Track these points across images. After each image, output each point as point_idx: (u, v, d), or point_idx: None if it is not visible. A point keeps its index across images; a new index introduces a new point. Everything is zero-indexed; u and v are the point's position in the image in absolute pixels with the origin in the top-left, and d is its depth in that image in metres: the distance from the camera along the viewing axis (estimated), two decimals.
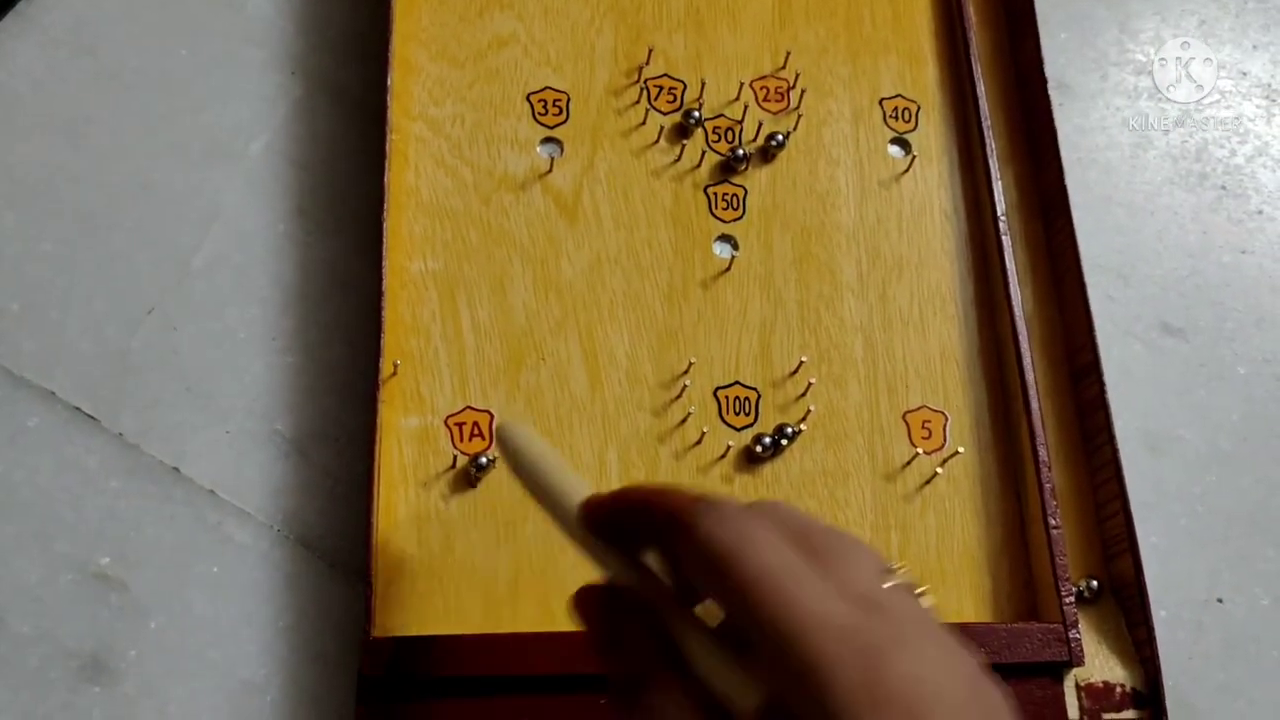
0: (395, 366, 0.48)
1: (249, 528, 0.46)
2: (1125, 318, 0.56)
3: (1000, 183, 0.54)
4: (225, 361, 0.49)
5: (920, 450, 0.50)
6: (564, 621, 0.45)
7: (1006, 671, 0.45)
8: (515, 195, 0.53)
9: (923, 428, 0.51)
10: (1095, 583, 0.48)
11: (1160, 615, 0.49)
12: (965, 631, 0.45)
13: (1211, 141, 0.61)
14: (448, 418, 0.48)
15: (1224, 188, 0.60)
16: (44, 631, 0.44)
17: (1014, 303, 0.51)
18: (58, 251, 0.50)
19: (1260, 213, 0.60)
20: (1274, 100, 0.63)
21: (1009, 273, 0.52)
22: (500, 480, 0.47)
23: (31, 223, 0.51)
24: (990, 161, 0.54)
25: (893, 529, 0.49)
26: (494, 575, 0.46)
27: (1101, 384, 0.50)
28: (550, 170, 0.53)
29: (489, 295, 0.51)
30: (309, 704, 0.43)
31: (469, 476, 0.47)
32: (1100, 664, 0.46)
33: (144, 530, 0.45)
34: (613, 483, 0.48)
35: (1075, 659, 0.45)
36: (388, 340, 0.48)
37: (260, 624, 0.44)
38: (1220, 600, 0.50)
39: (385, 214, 0.49)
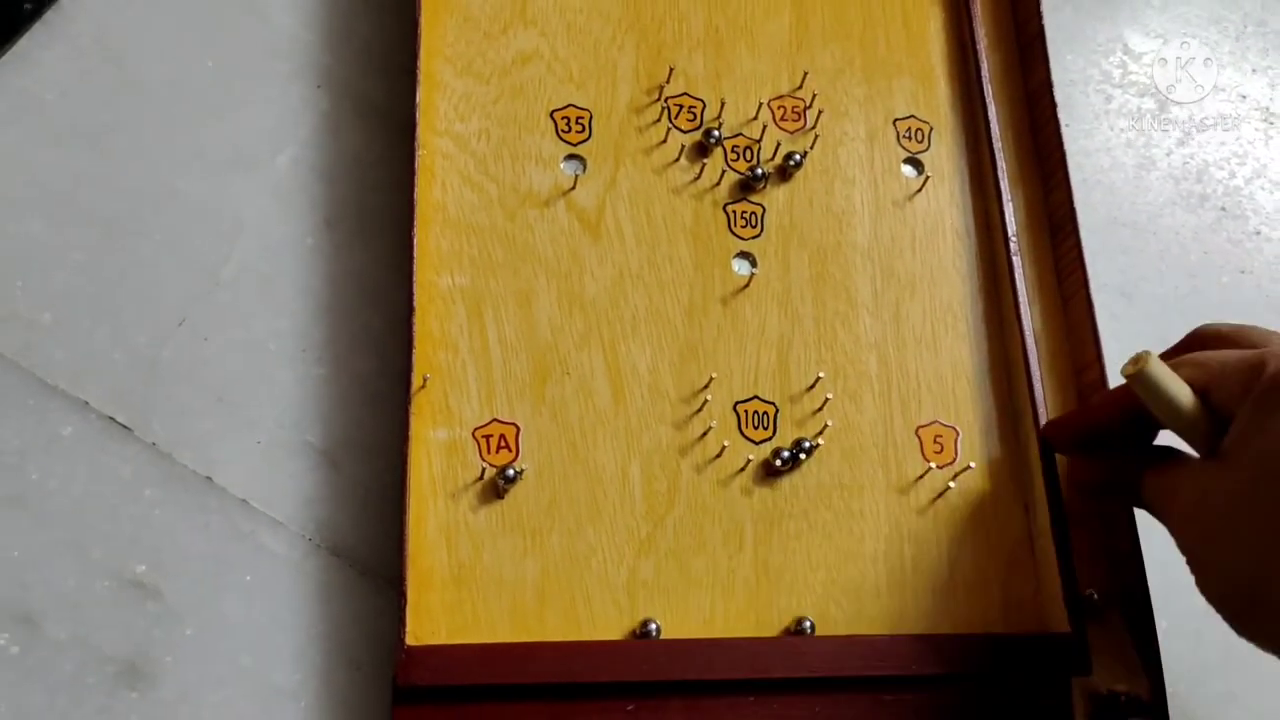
0: (425, 380, 0.49)
1: (281, 537, 0.47)
2: (1128, 335, 0.58)
3: (1011, 203, 0.56)
4: (255, 372, 0.50)
5: (933, 464, 0.51)
6: (589, 630, 0.46)
7: (1014, 680, 0.46)
8: (539, 211, 0.54)
9: (935, 442, 0.52)
10: (1099, 594, 0.49)
11: (1162, 625, 0.50)
12: (975, 641, 0.47)
13: (1212, 163, 0.63)
14: (475, 430, 0.49)
15: (1224, 209, 0.62)
16: (80, 637, 0.44)
17: (1024, 320, 0.53)
18: (87, 260, 0.51)
19: (1259, 233, 0.62)
20: (1272, 123, 0.65)
21: (1019, 291, 0.53)
22: (527, 492, 0.49)
23: (59, 231, 0.51)
24: (1001, 181, 0.56)
25: (906, 541, 0.50)
26: (521, 585, 0.47)
27: None
28: (574, 187, 0.54)
29: (514, 310, 0.52)
30: (342, 710, 0.45)
31: (497, 488, 0.48)
32: (1105, 673, 0.48)
33: (178, 539, 0.46)
34: (635, 497, 0.49)
35: (1081, 668, 0.46)
36: (417, 353, 0.49)
37: (293, 631, 0.45)
38: None
39: (414, 229, 0.50)
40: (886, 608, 0.49)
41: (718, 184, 0.56)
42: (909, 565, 0.50)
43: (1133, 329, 0.58)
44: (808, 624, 0.48)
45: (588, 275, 0.53)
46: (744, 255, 0.55)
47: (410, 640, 0.44)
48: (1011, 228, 0.55)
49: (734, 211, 0.55)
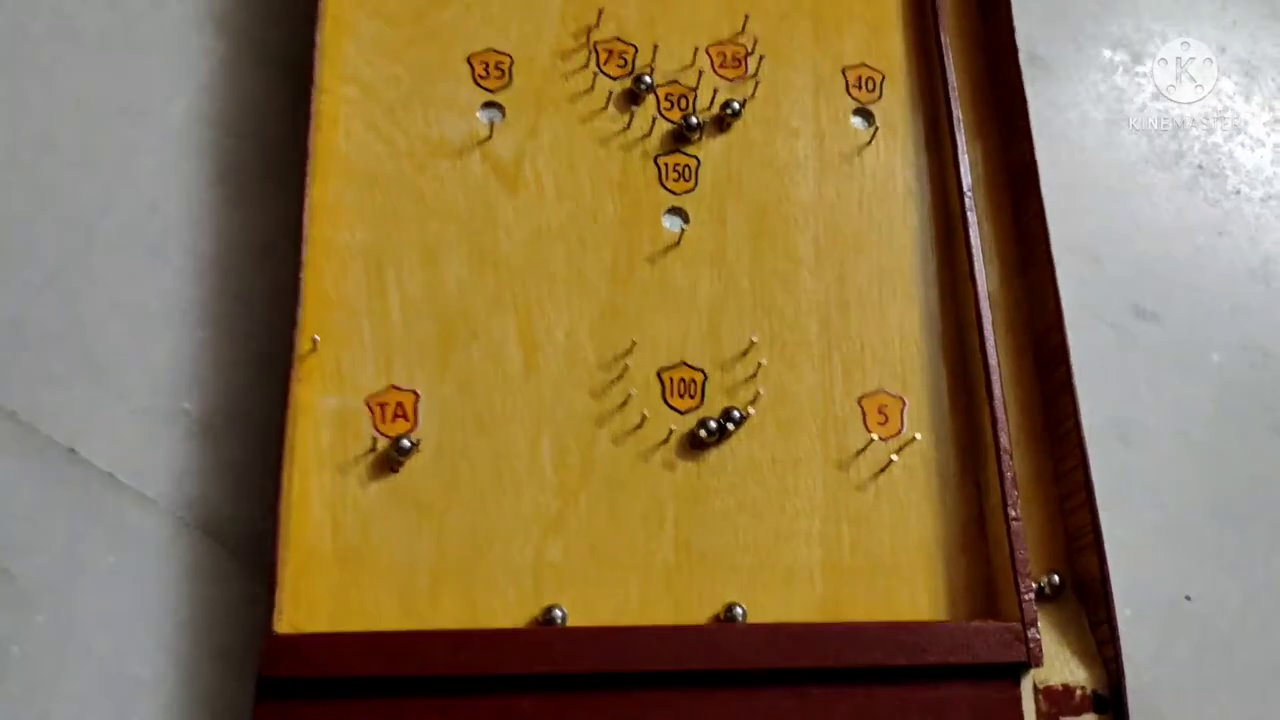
0: (315, 342, 0.45)
1: (150, 514, 0.43)
2: (1096, 301, 0.53)
3: (967, 157, 0.51)
4: (132, 335, 0.46)
5: (875, 436, 0.47)
6: (487, 617, 0.42)
7: (962, 672, 0.42)
8: (452, 163, 0.49)
9: (879, 413, 0.48)
10: (1057, 578, 0.45)
11: (1125, 614, 0.46)
12: (919, 630, 0.42)
13: (1188, 119, 0.59)
14: (369, 398, 0.45)
15: (1201, 167, 0.57)
16: None
17: (978, 283, 0.48)
18: None
19: (1238, 193, 0.57)
20: (1253, 78, 0.60)
21: (974, 251, 0.49)
22: (424, 465, 0.44)
23: None
24: (957, 135, 0.51)
25: (844, 520, 0.46)
26: (414, 567, 0.43)
27: (1068, 369, 0.47)
28: (490, 136, 0.50)
29: (420, 268, 0.47)
30: (204, 705, 0.40)
31: (390, 461, 0.44)
32: (1060, 665, 0.43)
33: (35, 516, 0.42)
34: (546, 471, 0.45)
35: (1034, 659, 0.42)
36: (307, 314, 0.44)
37: (157, 618, 0.41)
38: (1189, 598, 0.47)
39: (309, 180, 0.46)
40: (822, 594, 0.44)
41: (648, 134, 0.51)
42: (848, 547, 0.45)
43: (1100, 294, 0.53)
44: (739, 611, 0.43)
45: (502, 232, 0.48)
46: (675, 211, 0.50)
47: (285, 628, 0.40)
48: (967, 183, 0.50)
49: (666, 164, 0.51)
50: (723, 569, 0.44)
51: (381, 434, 0.44)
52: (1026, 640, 0.42)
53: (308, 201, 0.46)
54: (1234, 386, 0.52)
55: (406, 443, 0.44)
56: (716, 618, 0.43)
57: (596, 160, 0.50)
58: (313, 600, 0.41)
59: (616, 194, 0.50)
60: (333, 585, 0.42)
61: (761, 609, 0.44)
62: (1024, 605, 0.43)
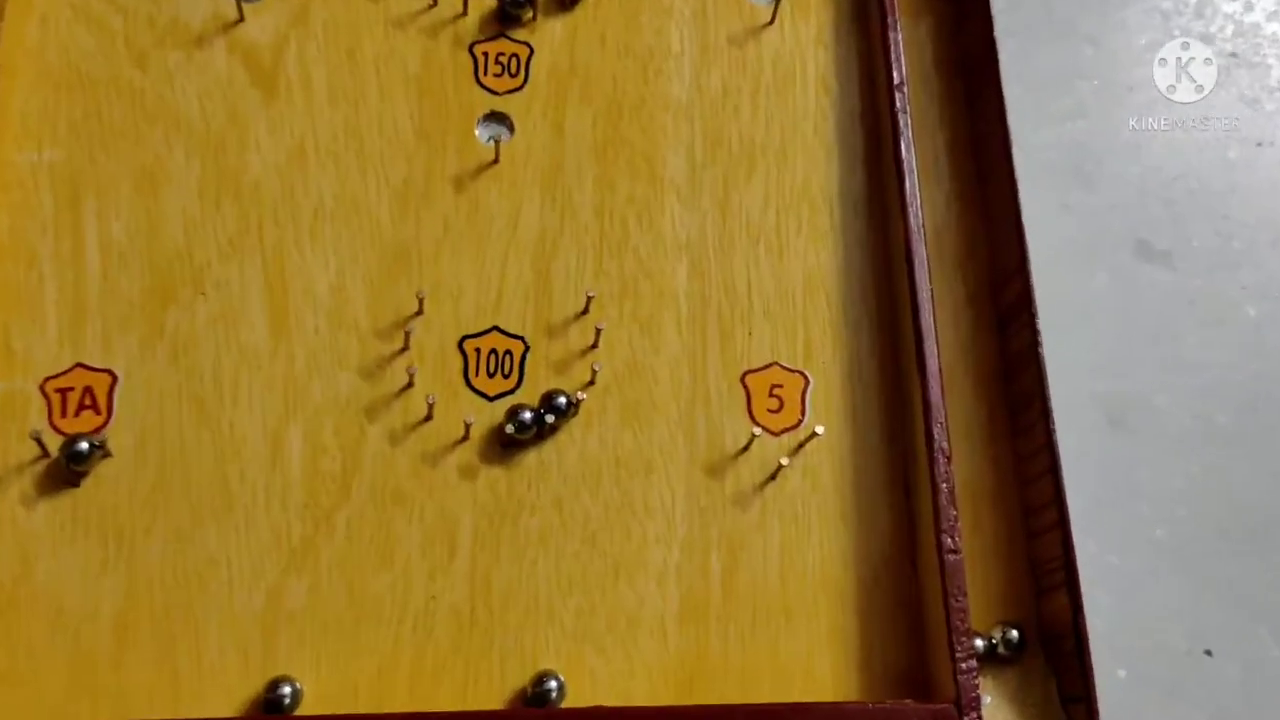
0: None
1: None
2: (1085, 235, 0.40)
3: (901, 37, 0.37)
4: None
5: (763, 429, 0.34)
6: (189, 694, 0.30)
7: None
8: (186, 54, 0.37)
9: (770, 395, 0.35)
10: (1015, 632, 0.32)
11: (1117, 676, 0.33)
12: (814, 713, 0.29)
13: None
14: (46, 381, 0.32)
15: (1234, 55, 0.43)
16: None
17: (911, 211, 0.35)
18: None
19: None
20: None
21: (905, 168, 0.35)
22: (117, 475, 0.32)
23: None
24: (890, 10, 0.37)
25: (714, 547, 0.33)
26: (94, 616, 0.31)
27: (1034, 329, 0.34)
28: (241, 19, 0.37)
29: (130, 199, 0.35)
30: None
31: (67, 471, 0.31)
32: None
33: None
34: (291, 481, 0.32)
35: None
36: None
37: None
38: (1209, 653, 0.34)
39: None
40: (679, 658, 0.32)
41: (462, 14, 0.38)
42: (718, 588, 0.32)
43: (1092, 227, 0.40)
44: (553, 685, 0.30)
45: (251, 148, 0.36)
46: (494, 117, 0.37)
47: None
48: (899, 74, 0.37)
49: (485, 53, 0.38)
50: (535, 620, 0.32)
51: (59, 431, 0.32)
52: None
53: None
54: (1274, 350, 0.38)
55: (87, 445, 0.31)
56: (521, 696, 0.31)
57: (388, 50, 0.38)
58: None
59: (413, 94, 0.37)
60: None
61: (588, 682, 0.31)
62: (960, 677, 0.29)
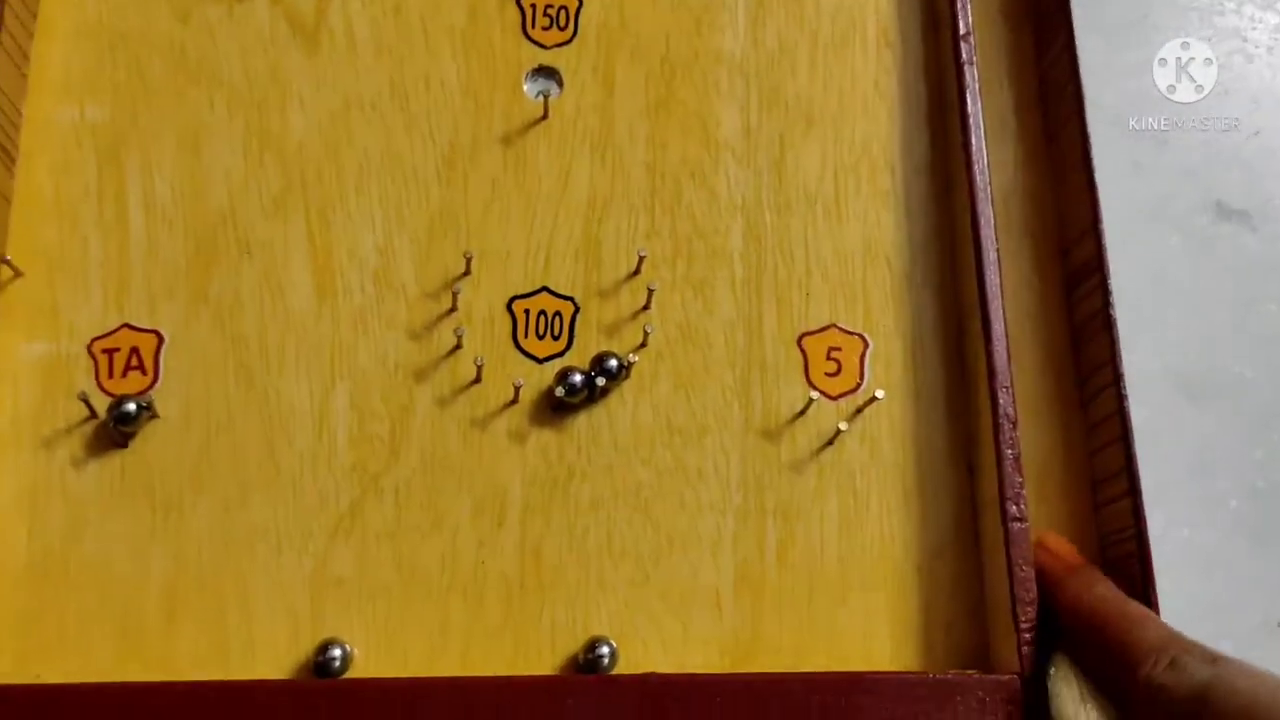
0: (8, 264, 0.32)
1: None
2: (1158, 196, 0.38)
3: None
4: None
5: (821, 393, 0.33)
6: (241, 660, 0.30)
7: None
8: (228, 10, 0.36)
9: (829, 359, 0.33)
10: None
11: None
12: (875, 687, 0.28)
13: None
14: (93, 342, 0.32)
15: None
16: None
17: (977, 167, 0.33)
18: None
19: None
20: None
21: (972, 121, 0.34)
22: (164, 439, 0.31)
23: None
24: None
25: (771, 515, 0.32)
26: (143, 586, 0.30)
27: (1106, 294, 0.32)
28: None
29: (174, 158, 0.34)
30: None
31: (116, 431, 0.31)
32: None
33: None
34: (338, 446, 0.31)
35: None
36: (14, 224, 0.32)
37: None
38: None
39: (24, 37, 0.33)
40: (734, 628, 0.31)
41: None
42: (774, 558, 0.31)
43: (1166, 186, 0.38)
44: (604, 651, 0.30)
45: (294, 106, 0.35)
46: (543, 72, 0.36)
47: None
48: (965, 23, 0.35)
49: (533, 5, 0.36)
50: (587, 589, 0.31)
51: (108, 393, 0.31)
52: (1025, 702, 0.28)
53: (23, 68, 0.33)
54: None
55: (134, 407, 0.31)
56: (574, 663, 0.30)
57: (433, 4, 0.36)
58: None
59: (460, 50, 0.36)
60: (21, 610, 0.30)
61: (640, 651, 0.30)
62: (1025, 649, 0.28)
